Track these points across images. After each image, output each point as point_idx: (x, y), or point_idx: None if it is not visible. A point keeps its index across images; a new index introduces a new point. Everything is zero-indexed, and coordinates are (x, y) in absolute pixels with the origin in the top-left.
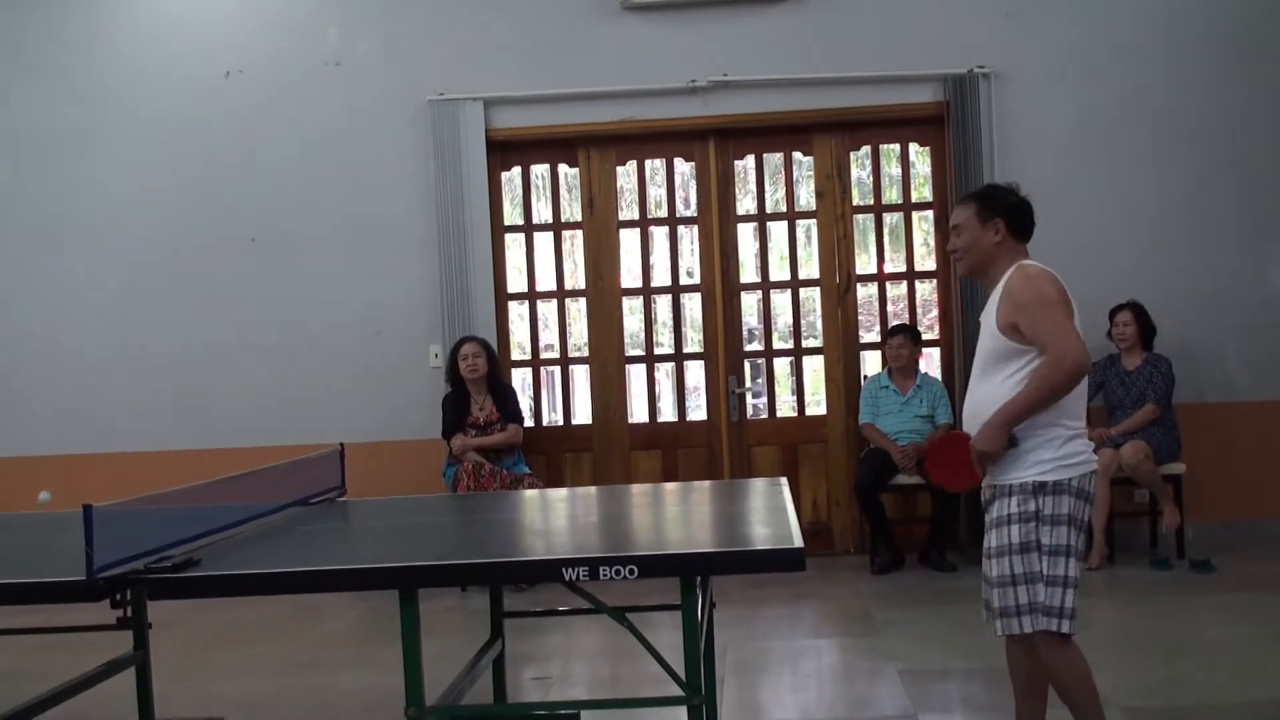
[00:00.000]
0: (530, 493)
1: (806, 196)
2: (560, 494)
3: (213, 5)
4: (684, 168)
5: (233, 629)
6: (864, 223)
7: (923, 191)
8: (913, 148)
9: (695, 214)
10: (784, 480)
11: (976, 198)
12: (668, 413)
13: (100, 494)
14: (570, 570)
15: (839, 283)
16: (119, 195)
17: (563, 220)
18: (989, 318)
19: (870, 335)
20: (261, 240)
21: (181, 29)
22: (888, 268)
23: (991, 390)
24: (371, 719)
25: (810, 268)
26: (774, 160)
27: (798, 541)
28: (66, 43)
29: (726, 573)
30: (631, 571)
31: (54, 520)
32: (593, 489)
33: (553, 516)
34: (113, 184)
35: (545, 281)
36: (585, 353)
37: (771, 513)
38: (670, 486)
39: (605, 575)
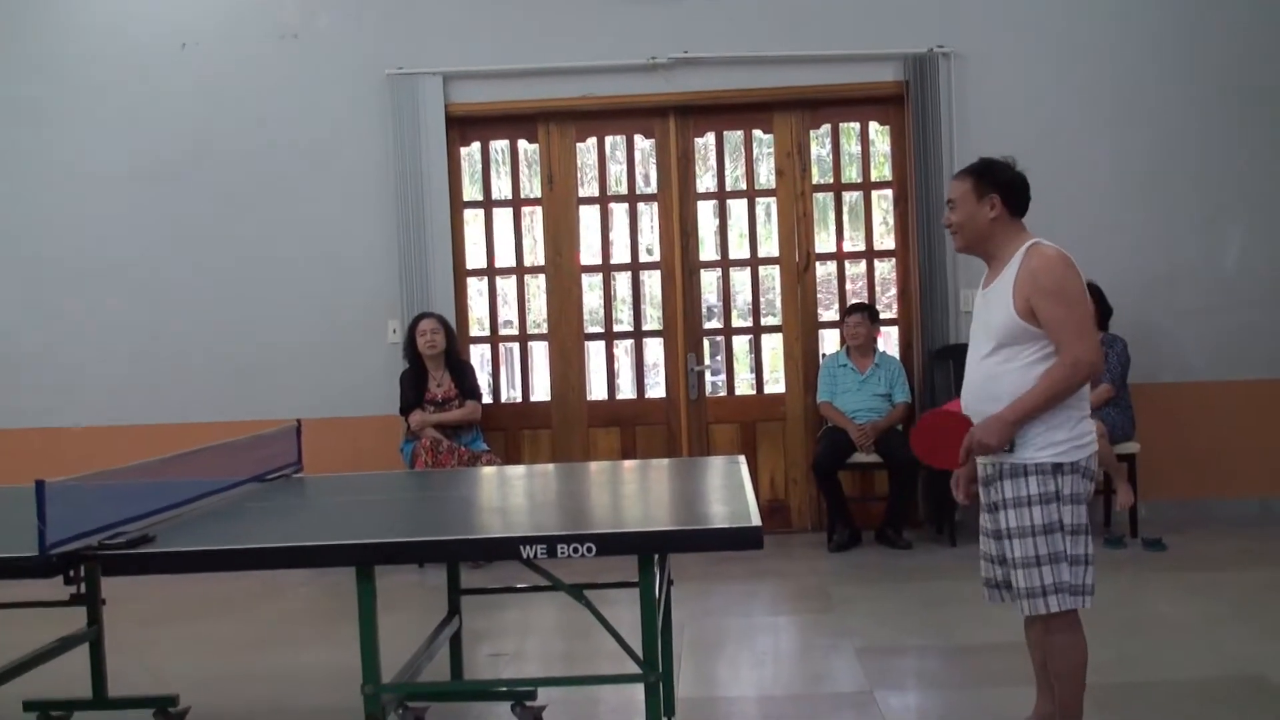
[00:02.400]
0: (488, 470)
1: (766, 174)
2: (518, 471)
3: None
4: (644, 144)
5: (188, 606)
6: (824, 201)
7: (882, 170)
8: (873, 126)
9: (655, 191)
10: (742, 458)
11: (973, 172)
12: (627, 390)
13: (54, 469)
14: (528, 548)
15: (798, 261)
16: (73, 168)
17: (522, 196)
18: (1000, 296)
19: (829, 314)
20: (218, 216)
21: None
22: (847, 246)
23: (1002, 371)
24: (328, 696)
25: (770, 246)
26: (734, 138)
27: (755, 519)
28: (18, 13)
29: (684, 551)
30: (589, 549)
31: (7, 495)
32: (551, 466)
33: (511, 494)
34: (66, 157)
35: (504, 258)
36: (544, 329)
37: (729, 490)
38: (629, 464)
39: (563, 553)
